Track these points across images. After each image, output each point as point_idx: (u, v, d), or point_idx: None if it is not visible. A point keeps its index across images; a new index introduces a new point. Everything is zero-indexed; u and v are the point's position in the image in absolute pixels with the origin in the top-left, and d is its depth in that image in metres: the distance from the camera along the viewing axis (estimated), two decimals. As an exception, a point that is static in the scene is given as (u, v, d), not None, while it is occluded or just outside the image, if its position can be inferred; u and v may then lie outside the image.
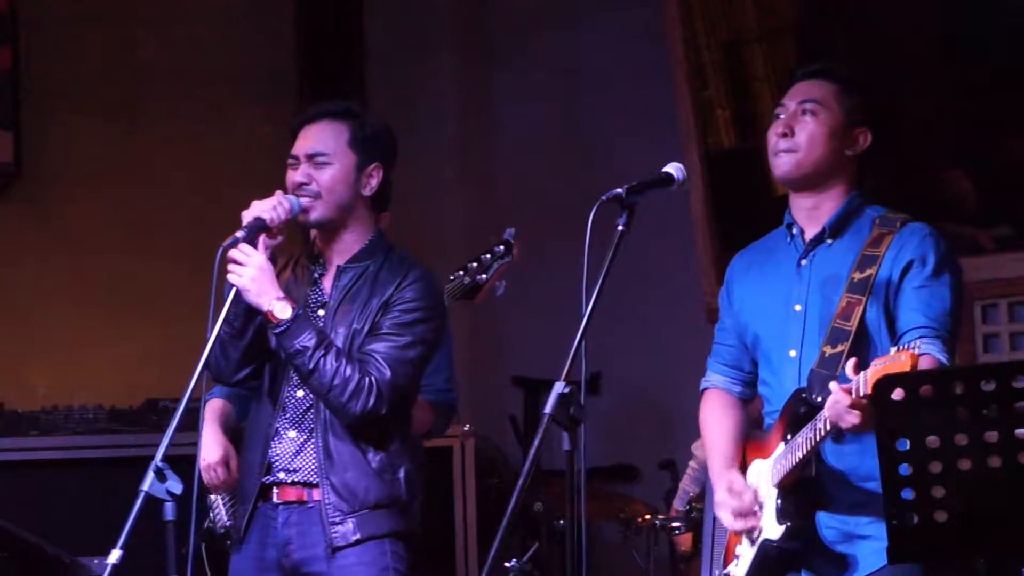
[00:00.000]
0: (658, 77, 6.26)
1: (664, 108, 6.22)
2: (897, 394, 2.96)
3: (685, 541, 5.11)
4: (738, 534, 3.46)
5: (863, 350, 3.30)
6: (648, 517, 5.36)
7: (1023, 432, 2.93)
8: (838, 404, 3.10)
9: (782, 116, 3.49)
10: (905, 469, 2.98)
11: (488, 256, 4.25)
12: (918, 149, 5.56)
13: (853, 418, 3.10)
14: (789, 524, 3.33)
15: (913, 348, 3.02)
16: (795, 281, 3.48)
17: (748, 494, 3.41)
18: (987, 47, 5.42)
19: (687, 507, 5.06)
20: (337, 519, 3.66)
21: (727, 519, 3.43)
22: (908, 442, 2.96)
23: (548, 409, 3.00)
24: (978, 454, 2.94)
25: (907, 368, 2.98)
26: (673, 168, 3.30)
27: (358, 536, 3.66)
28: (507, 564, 5.03)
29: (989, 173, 5.46)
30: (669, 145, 6.02)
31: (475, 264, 4.26)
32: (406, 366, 3.68)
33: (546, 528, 5.49)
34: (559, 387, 3.01)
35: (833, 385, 3.13)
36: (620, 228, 3.17)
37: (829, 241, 3.46)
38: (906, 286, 3.33)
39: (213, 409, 4.18)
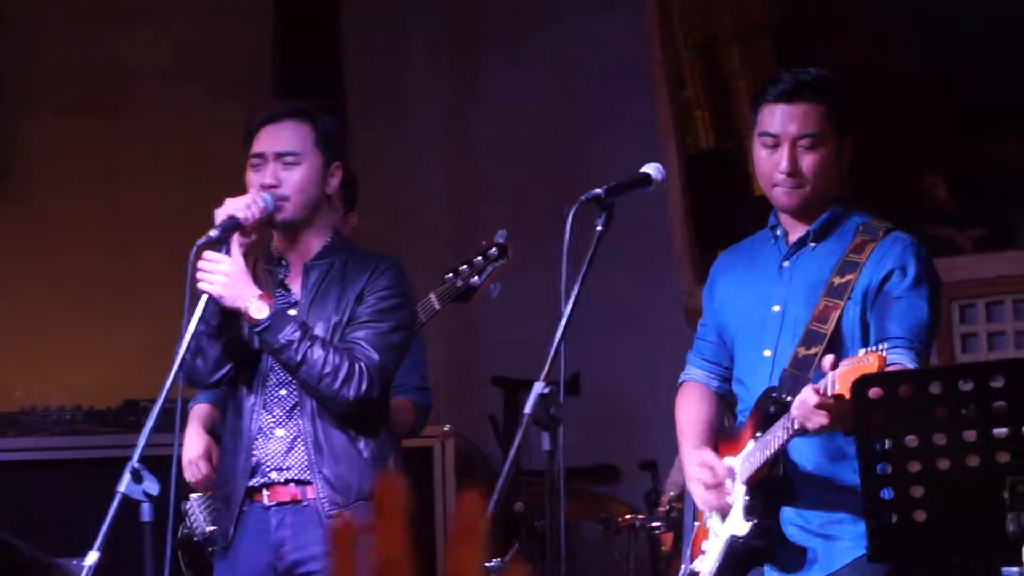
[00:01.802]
0: (637, 78, 6.27)
1: (643, 109, 6.23)
2: (875, 393, 2.97)
3: (665, 541, 5.12)
4: (711, 509, 3.48)
5: (836, 354, 3.29)
6: (628, 517, 5.36)
7: (1001, 432, 2.95)
8: (805, 404, 3.11)
9: (774, 147, 3.38)
10: (884, 468, 2.99)
11: (481, 259, 4.22)
12: (897, 151, 5.57)
13: (820, 419, 3.10)
14: (756, 521, 3.36)
15: (881, 350, 3.02)
16: (776, 282, 3.48)
17: (720, 468, 3.43)
18: (966, 50, 5.44)
19: (668, 507, 5.06)
20: (334, 513, 3.65)
21: (699, 492, 3.46)
22: (887, 442, 2.97)
23: (528, 409, 3.01)
24: (956, 454, 2.95)
25: (875, 370, 2.99)
26: (652, 168, 3.30)
27: None
28: (487, 564, 5.03)
29: (966, 176, 5.48)
30: (648, 146, 6.02)
31: (466, 267, 4.23)
32: (391, 350, 3.68)
33: (526, 528, 5.49)
34: (539, 387, 3.02)
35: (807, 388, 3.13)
36: (599, 228, 3.18)
37: (812, 245, 3.46)
38: (884, 295, 3.33)
39: (198, 411, 4.18)
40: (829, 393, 3.06)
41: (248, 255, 3.70)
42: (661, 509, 5.12)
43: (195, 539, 4.38)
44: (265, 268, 3.79)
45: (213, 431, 4.14)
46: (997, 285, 5.47)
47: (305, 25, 6.86)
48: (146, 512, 3.21)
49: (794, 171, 3.37)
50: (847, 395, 3.02)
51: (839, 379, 3.03)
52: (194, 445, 4.07)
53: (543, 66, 6.70)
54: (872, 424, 2.99)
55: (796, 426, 3.18)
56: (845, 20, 5.75)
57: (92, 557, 3.13)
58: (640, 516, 5.31)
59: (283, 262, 3.77)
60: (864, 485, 3.02)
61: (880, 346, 3.07)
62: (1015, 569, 3.00)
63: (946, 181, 5.53)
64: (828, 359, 3.12)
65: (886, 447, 2.98)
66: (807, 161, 3.38)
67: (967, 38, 5.42)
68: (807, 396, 3.10)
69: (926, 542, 3.00)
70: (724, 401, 3.67)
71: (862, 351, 3.07)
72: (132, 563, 3.28)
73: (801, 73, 3.41)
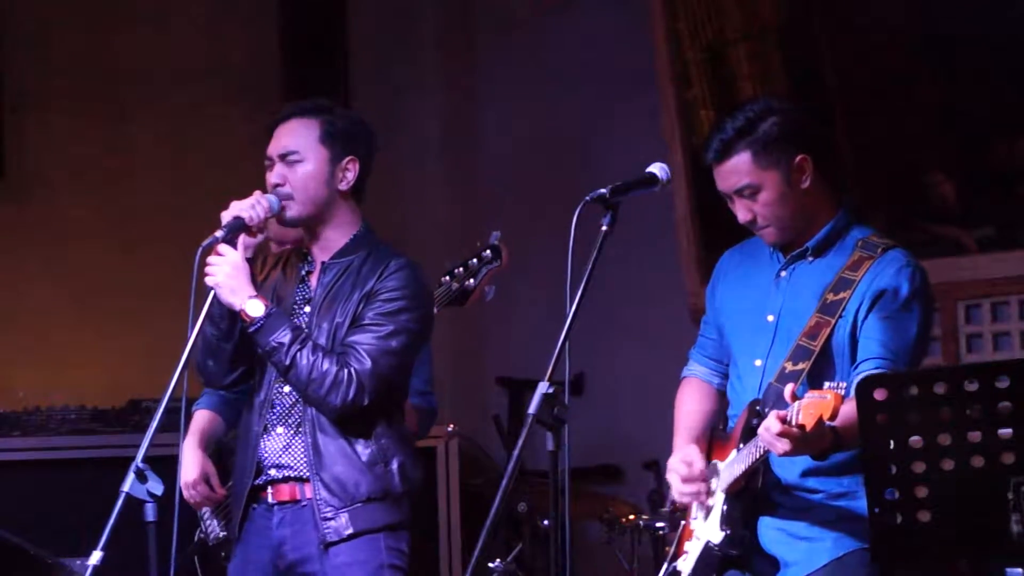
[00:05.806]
0: (643, 77, 6.26)
1: (649, 108, 6.22)
2: (880, 394, 2.97)
3: (669, 541, 5.11)
4: (685, 501, 3.53)
5: (824, 371, 3.33)
6: (632, 517, 5.36)
7: (1006, 432, 2.95)
8: (769, 431, 3.13)
9: (730, 200, 3.46)
10: (889, 469, 2.99)
11: (475, 261, 4.20)
12: (903, 150, 5.57)
13: (784, 446, 3.13)
14: (729, 532, 3.40)
15: (839, 389, 3.04)
16: (772, 292, 3.50)
17: (699, 464, 3.47)
18: (971, 50, 5.43)
19: (671, 507, 5.06)
20: (329, 514, 3.64)
21: (675, 483, 3.50)
22: (892, 442, 2.97)
23: (532, 409, 3.00)
24: (961, 454, 2.95)
25: (831, 408, 3.01)
26: (657, 168, 3.30)
27: (351, 531, 3.64)
28: (491, 564, 5.03)
29: (972, 175, 5.48)
30: (653, 145, 6.02)
31: (462, 270, 4.21)
32: (389, 356, 3.64)
33: (530, 528, 5.48)
34: (543, 387, 3.02)
35: (774, 414, 3.14)
36: (604, 228, 3.18)
37: (810, 258, 3.47)
38: (874, 315, 3.34)
39: (198, 420, 4.13)
40: (793, 423, 3.08)
41: (256, 256, 3.72)
42: (664, 509, 5.11)
43: (210, 544, 4.38)
44: (293, 263, 3.82)
45: (211, 445, 4.12)
46: (1003, 285, 5.47)
47: (310, 27, 6.86)
48: (150, 512, 3.21)
49: (751, 220, 3.45)
50: (809, 426, 3.04)
51: (802, 410, 3.06)
52: (189, 470, 4.00)
53: (545, 65, 6.69)
54: (877, 424, 2.99)
55: (764, 448, 3.21)
56: (852, 19, 5.75)
57: (96, 557, 3.14)
58: (644, 516, 5.31)
59: (308, 258, 3.79)
60: (868, 485, 3.02)
61: (839, 384, 3.08)
62: (1019, 570, 3.00)
63: (953, 181, 5.53)
64: (788, 390, 3.15)
65: (890, 447, 2.98)
66: (757, 207, 3.43)
67: (974, 36, 5.41)
68: (771, 424, 3.12)
69: (930, 543, 3.00)
70: (725, 398, 3.67)
71: (826, 385, 3.08)
72: (136, 563, 3.28)
73: (722, 131, 3.42)
